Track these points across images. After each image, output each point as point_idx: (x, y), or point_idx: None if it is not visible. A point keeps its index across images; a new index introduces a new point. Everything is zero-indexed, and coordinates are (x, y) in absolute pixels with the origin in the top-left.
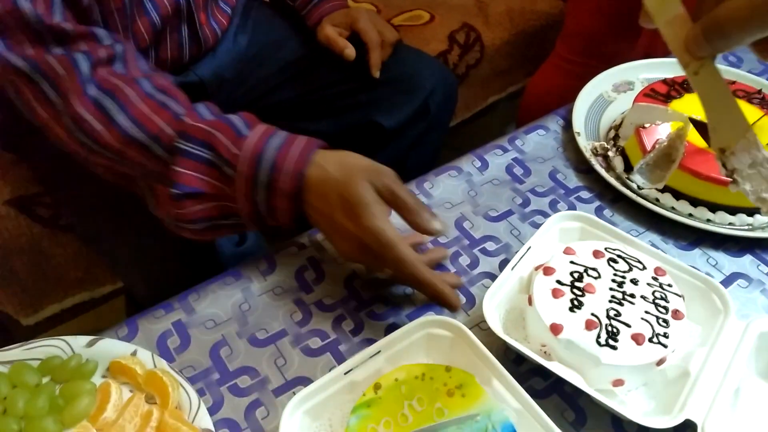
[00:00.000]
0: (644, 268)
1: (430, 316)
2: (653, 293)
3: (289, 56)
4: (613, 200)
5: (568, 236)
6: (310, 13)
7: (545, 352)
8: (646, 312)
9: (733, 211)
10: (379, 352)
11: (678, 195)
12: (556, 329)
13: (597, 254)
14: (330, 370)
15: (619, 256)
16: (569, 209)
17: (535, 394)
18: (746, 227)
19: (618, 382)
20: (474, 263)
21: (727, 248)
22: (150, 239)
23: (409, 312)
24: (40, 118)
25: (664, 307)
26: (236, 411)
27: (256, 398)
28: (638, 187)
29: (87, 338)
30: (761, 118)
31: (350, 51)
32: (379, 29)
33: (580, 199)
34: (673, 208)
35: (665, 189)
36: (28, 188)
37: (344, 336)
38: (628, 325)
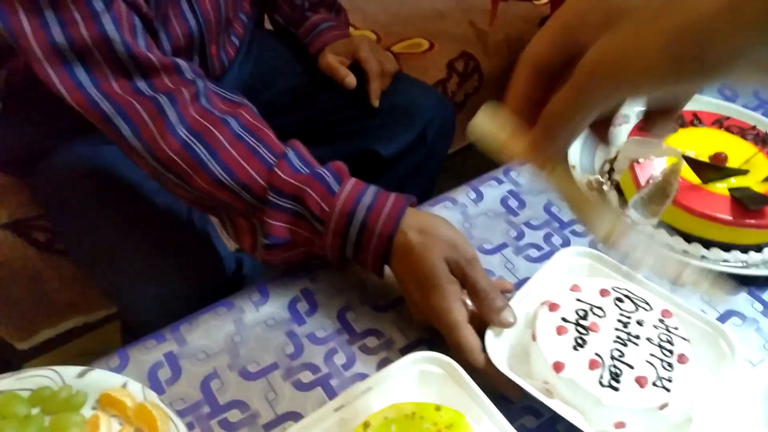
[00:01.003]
0: (651, 309)
1: (421, 353)
2: (659, 336)
3: (291, 83)
4: None
5: (576, 272)
6: (312, 42)
7: (548, 390)
8: (651, 354)
9: (727, 248)
10: (370, 388)
11: (672, 230)
12: (558, 367)
13: (603, 293)
14: (321, 406)
15: (626, 295)
16: (563, 243)
17: None
18: (740, 264)
19: (620, 425)
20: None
21: None
22: (147, 267)
23: (401, 347)
24: (122, 150)
25: (670, 351)
26: None
27: None
28: (633, 222)
29: (78, 369)
30: (755, 155)
31: (351, 79)
32: (380, 59)
33: (574, 233)
34: (667, 244)
35: (660, 224)
36: (25, 212)
37: (336, 370)
38: (632, 367)
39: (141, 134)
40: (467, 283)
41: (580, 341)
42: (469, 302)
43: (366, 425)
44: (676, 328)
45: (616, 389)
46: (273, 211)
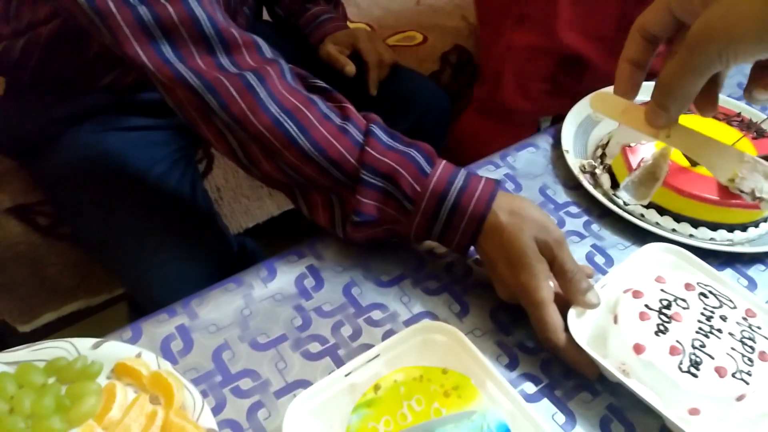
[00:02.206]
0: (735, 307)
1: (426, 322)
2: (741, 332)
3: None
4: (601, 215)
5: (659, 267)
6: (312, 32)
7: (624, 371)
8: (732, 348)
9: (714, 227)
10: (378, 355)
11: (662, 211)
12: (638, 349)
13: (688, 287)
14: (330, 373)
15: (710, 291)
16: (558, 224)
17: (526, 398)
18: (726, 242)
19: (694, 411)
20: (467, 273)
21: (708, 263)
22: (157, 249)
23: (405, 319)
24: (200, 131)
25: (751, 347)
26: (238, 412)
27: (257, 400)
28: (624, 203)
29: (92, 340)
30: (740, 139)
31: (351, 68)
32: (379, 50)
33: (569, 214)
34: (657, 223)
35: (650, 205)
36: (27, 197)
37: (343, 341)
38: (712, 357)
39: (230, 108)
40: (555, 264)
41: (662, 328)
42: (552, 284)
43: (376, 387)
44: (759, 327)
45: (695, 375)
46: (365, 189)
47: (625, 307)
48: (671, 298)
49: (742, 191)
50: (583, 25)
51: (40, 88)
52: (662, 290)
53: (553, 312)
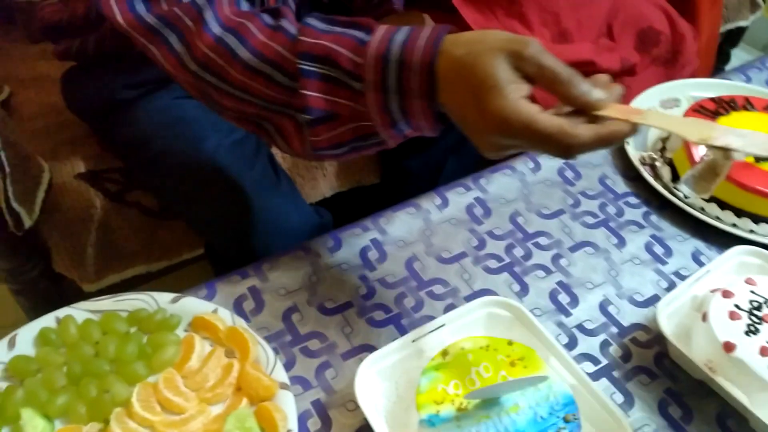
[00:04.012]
0: None
1: (491, 297)
2: None
3: None
4: (660, 207)
5: (745, 270)
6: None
7: (710, 368)
8: None
9: None
10: (443, 325)
11: (723, 205)
12: (729, 347)
13: None
14: (394, 340)
15: None
16: (617, 213)
17: None
18: None
19: None
20: (527, 255)
21: None
22: (231, 200)
23: (466, 295)
24: (168, 70)
25: None
26: (307, 370)
27: (325, 360)
28: (684, 196)
29: (171, 295)
30: None
31: None
32: None
33: (628, 204)
34: (717, 217)
35: (711, 199)
36: (98, 163)
37: (406, 311)
38: None
39: (185, 38)
40: (545, 75)
41: (752, 328)
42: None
43: (445, 353)
44: None
45: None
46: (307, 80)
47: (716, 306)
48: (762, 300)
49: (714, 146)
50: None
51: (110, 64)
52: (752, 292)
53: (546, 118)
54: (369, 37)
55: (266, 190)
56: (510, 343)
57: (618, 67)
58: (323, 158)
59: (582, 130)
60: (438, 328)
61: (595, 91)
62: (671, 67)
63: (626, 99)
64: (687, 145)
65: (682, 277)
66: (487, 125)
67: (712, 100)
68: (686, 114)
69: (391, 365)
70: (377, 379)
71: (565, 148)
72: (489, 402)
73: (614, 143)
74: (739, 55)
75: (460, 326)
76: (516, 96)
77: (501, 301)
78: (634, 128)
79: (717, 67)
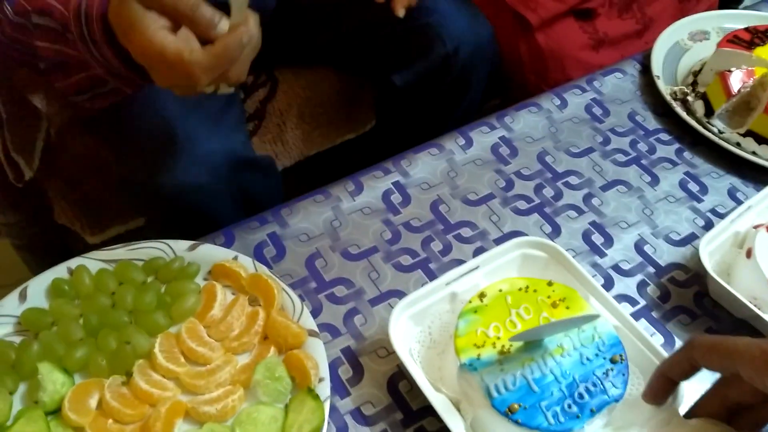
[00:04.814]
0: None
1: (526, 237)
2: None
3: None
4: (693, 143)
5: None
6: None
7: (755, 306)
8: None
9: None
10: (477, 267)
11: (760, 139)
12: None
13: None
14: (422, 285)
15: None
16: (649, 150)
17: None
18: None
19: None
20: (558, 195)
21: None
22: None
23: (495, 237)
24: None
25: None
26: (335, 317)
27: (353, 306)
28: (719, 131)
29: (188, 243)
30: None
31: None
32: None
33: (660, 141)
34: (754, 152)
35: (747, 133)
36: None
37: (434, 255)
38: None
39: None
40: (165, 7)
41: None
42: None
43: (482, 295)
44: None
45: None
46: (36, 32)
47: (761, 243)
48: None
49: None
50: None
51: None
52: None
53: (171, 44)
54: None
55: (184, 116)
56: (550, 283)
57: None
58: (81, 105)
59: (197, 55)
60: (471, 270)
61: (221, 24)
62: (686, 1)
63: (647, 30)
64: (722, 78)
65: (719, 215)
66: (145, 60)
67: (747, 30)
68: (720, 45)
69: (423, 309)
70: (410, 324)
71: (186, 78)
72: (532, 345)
73: (234, 54)
74: None
75: (494, 268)
76: (154, 27)
77: (536, 242)
78: (247, 33)
79: (731, 6)
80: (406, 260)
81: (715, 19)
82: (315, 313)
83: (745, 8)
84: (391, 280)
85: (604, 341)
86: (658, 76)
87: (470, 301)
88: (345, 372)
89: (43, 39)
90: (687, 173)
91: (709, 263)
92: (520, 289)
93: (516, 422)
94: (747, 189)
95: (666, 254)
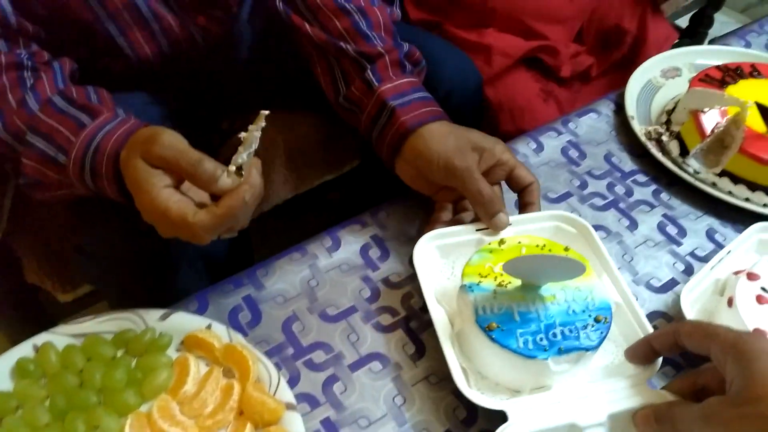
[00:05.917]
0: None
1: (561, 212)
2: None
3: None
4: (669, 184)
5: (765, 248)
6: None
7: None
8: None
9: None
10: (510, 224)
11: (736, 179)
12: (759, 334)
13: None
14: (403, 347)
15: None
16: (627, 193)
17: None
18: None
19: None
20: None
21: None
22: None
23: None
24: None
25: None
26: (314, 386)
27: (332, 373)
28: (695, 171)
29: (160, 311)
30: None
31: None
32: None
33: (636, 183)
34: (730, 192)
35: (723, 173)
36: None
37: (413, 313)
38: None
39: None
40: (171, 169)
41: None
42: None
43: (501, 242)
44: None
45: None
46: (27, 149)
47: (742, 291)
48: None
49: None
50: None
51: None
52: None
53: (175, 207)
54: (90, 122)
55: None
56: (567, 249)
57: (568, 75)
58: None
59: (201, 216)
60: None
61: (223, 180)
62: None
63: (578, 106)
64: (696, 117)
65: (699, 258)
66: (148, 217)
67: (718, 68)
68: (692, 84)
69: (451, 245)
70: (437, 253)
71: (190, 236)
72: (529, 287)
73: (237, 213)
74: (717, 18)
75: (526, 229)
76: (159, 186)
77: (569, 217)
78: (249, 191)
79: (700, 31)
80: (386, 320)
81: (686, 55)
82: (292, 381)
83: (713, 41)
84: (371, 342)
85: (596, 304)
86: (632, 117)
87: (490, 243)
88: None
89: (31, 158)
90: (665, 215)
91: (691, 313)
92: (537, 246)
93: (491, 338)
94: (725, 230)
95: (648, 302)
